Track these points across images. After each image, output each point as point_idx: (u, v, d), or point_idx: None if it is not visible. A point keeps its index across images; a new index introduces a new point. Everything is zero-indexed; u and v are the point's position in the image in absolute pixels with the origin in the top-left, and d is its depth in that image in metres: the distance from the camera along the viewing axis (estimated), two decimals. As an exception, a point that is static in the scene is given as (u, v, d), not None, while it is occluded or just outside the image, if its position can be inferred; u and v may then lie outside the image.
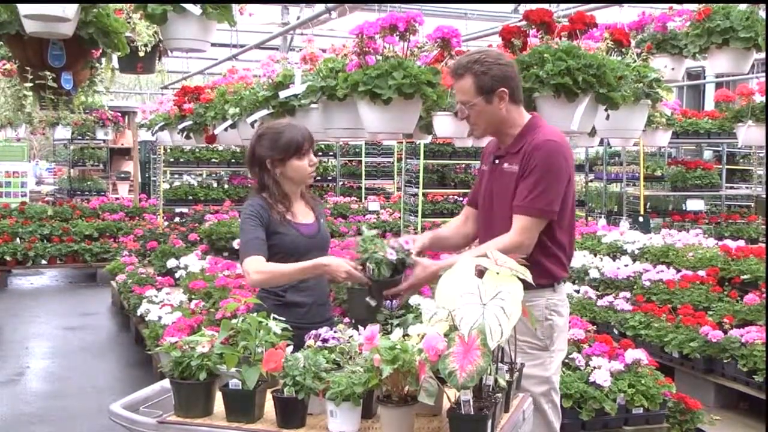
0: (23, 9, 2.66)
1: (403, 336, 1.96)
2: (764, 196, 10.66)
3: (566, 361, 3.93)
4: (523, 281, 1.97)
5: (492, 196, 2.67)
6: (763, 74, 7.62)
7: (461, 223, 2.92)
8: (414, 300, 4.24)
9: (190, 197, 11.69)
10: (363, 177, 14.13)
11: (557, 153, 2.53)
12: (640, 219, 8.63)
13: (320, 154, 13.42)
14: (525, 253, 2.44)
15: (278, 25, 7.27)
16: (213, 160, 11.95)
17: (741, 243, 6.58)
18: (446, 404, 1.95)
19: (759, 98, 6.65)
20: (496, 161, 2.67)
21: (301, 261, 2.70)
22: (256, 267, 2.64)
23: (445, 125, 4.46)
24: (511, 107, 2.59)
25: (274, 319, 2.20)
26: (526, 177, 2.53)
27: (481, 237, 2.76)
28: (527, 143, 2.57)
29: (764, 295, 5.20)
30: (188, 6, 3.03)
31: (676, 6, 4.32)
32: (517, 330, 2.43)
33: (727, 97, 8.48)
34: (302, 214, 2.90)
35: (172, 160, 11.71)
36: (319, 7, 5.25)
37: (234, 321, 2.15)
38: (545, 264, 2.60)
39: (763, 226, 9.66)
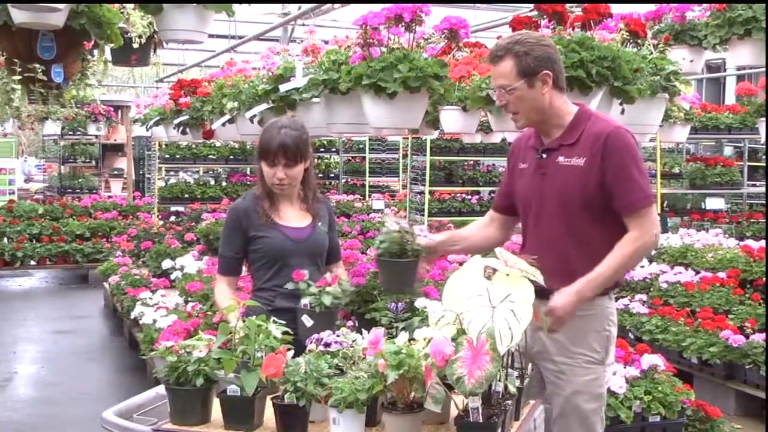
0: (11, -2, 2.60)
1: (409, 340, 1.96)
2: None
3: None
4: (534, 283, 1.92)
5: (543, 195, 2.44)
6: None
7: (483, 225, 2.75)
8: (420, 302, 4.14)
9: (187, 195, 11.58)
10: (367, 174, 14.06)
11: (633, 139, 2.44)
12: (657, 218, 8.51)
13: (322, 150, 13.41)
14: (655, 247, 2.37)
15: (278, 15, 7.24)
16: (210, 156, 11.82)
17: (763, 243, 6.44)
18: (454, 412, 1.91)
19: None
20: (544, 155, 2.46)
21: (287, 265, 2.72)
22: (217, 289, 2.86)
23: (452, 120, 4.42)
24: (554, 93, 2.41)
25: (274, 322, 2.16)
26: (618, 170, 2.34)
27: (527, 241, 2.52)
28: (587, 133, 2.40)
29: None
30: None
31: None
32: (571, 341, 2.37)
33: (748, 90, 8.41)
34: (293, 217, 2.81)
35: (167, 156, 11.59)
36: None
37: (232, 324, 2.13)
38: None
39: None
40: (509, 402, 1.91)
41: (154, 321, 5.27)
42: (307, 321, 2.45)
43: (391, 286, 2.55)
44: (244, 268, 2.98)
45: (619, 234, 2.38)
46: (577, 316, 2.34)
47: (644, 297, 5.72)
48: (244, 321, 2.12)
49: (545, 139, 2.48)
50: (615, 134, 2.38)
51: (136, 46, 3.78)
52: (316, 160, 13.49)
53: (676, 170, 10.59)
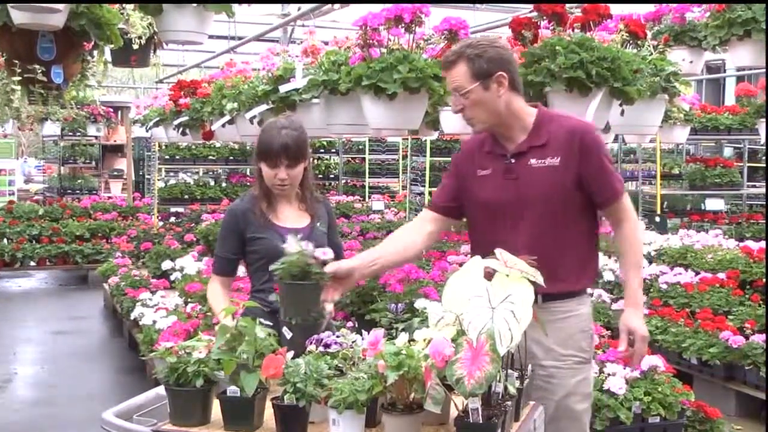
0: (11, -2, 2.60)
1: (409, 341, 1.95)
2: None
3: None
4: (534, 284, 1.91)
5: (520, 199, 2.39)
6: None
7: (414, 229, 2.56)
8: (420, 303, 4.14)
9: (186, 196, 11.58)
10: (367, 175, 14.03)
11: (598, 133, 2.45)
12: (657, 219, 8.49)
13: (322, 151, 13.38)
14: None
15: (278, 16, 7.22)
16: (210, 157, 11.82)
17: (763, 244, 6.43)
18: (453, 412, 1.90)
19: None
20: (513, 160, 2.41)
21: None
22: (210, 288, 2.86)
23: (452, 121, 4.42)
24: (511, 95, 2.37)
25: (260, 323, 2.13)
26: (597, 166, 2.36)
27: (497, 247, 2.41)
28: (555, 133, 2.38)
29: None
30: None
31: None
32: (560, 344, 2.36)
33: (748, 91, 8.40)
34: (292, 218, 2.79)
35: (167, 157, 11.58)
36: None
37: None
38: (593, 264, 2.50)
39: None
40: (509, 403, 1.90)
41: (154, 322, 5.26)
42: (287, 333, 2.32)
43: (290, 310, 2.28)
44: (243, 269, 2.98)
45: (593, 228, 2.45)
46: (565, 318, 2.37)
47: (644, 298, 5.70)
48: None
49: (508, 143, 2.42)
50: (588, 131, 2.41)
51: (135, 47, 3.76)
52: (315, 161, 13.51)
53: (676, 171, 10.58)
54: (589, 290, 2.54)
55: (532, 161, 2.38)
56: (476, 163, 2.48)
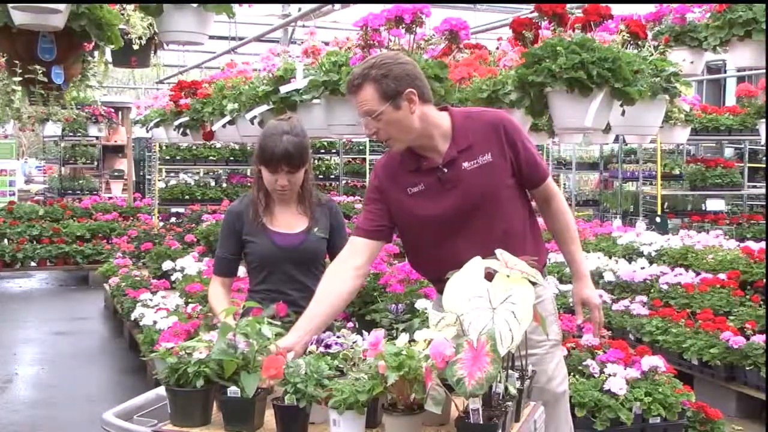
0: (11, -1, 2.60)
1: (409, 341, 1.93)
2: None
3: (580, 368, 3.83)
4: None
5: (462, 205, 2.35)
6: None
7: (345, 268, 2.39)
8: (421, 304, 4.14)
9: (187, 197, 11.58)
10: (367, 176, 13.97)
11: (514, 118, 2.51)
12: (658, 219, 8.50)
13: (323, 151, 13.35)
14: None
15: (279, 16, 7.22)
16: (210, 157, 11.82)
17: (763, 245, 6.41)
18: (454, 413, 1.89)
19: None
20: (446, 170, 2.35)
21: (275, 272, 2.72)
22: (211, 289, 2.86)
23: None
24: (424, 108, 2.32)
25: (269, 323, 2.13)
26: (524, 151, 2.39)
27: (443, 257, 2.36)
28: (476, 130, 2.36)
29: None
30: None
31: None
32: (533, 331, 2.31)
33: (749, 92, 8.38)
34: (288, 222, 2.76)
35: (167, 157, 11.58)
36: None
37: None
38: (542, 246, 2.53)
39: None
40: (510, 403, 1.89)
41: (155, 322, 5.25)
42: None
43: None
44: (243, 270, 2.97)
45: (529, 212, 2.48)
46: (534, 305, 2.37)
47: (645, 298, 5.68)
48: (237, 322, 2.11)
49: (433, 155, 2.36)
50: (507, 119, 2.43)
51: (136, 47, 3.75)
52: (316, 161, 13.51)
53: (677, 171, 10.57)
54: (549, 277, 2.58)
55: (465, 165, 2.35)
56: (402, 183, 2.40)
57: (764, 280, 5.49)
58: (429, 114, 2.33)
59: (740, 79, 11.35)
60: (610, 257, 6.94)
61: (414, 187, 2.38)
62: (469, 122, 2.38)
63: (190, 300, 5.66)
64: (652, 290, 5.91)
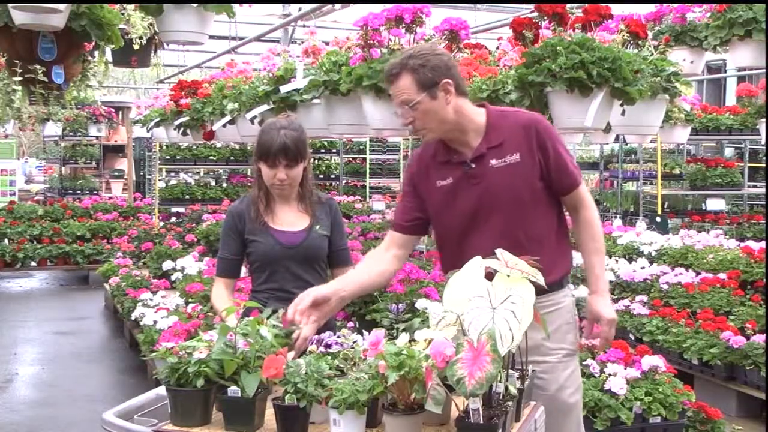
0: (11, -1, 2.60)
1: (410, 341, 1.93)
2: None
3: (580, 367, 3.82)
4: (535, 283, 1.90)
5: (486, 202, 2.37)
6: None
7: (381, 259, 2.50)
8: (421, 304, 4.14)
9: (187, 196, 11.59)
10: (367, 175, 14.01)
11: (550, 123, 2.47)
12: (658, 219, 8.49)
13: (323, 151, 13.35)
14: None
15: (279, 16, 7.22)
16: (211, 157, 11.83)
17: (764, 244, 6.41)
18: (454, 413, 1.88)
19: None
20: (473, 165, 2.37)
21: (278, 270, 2.73)
22: (213, 291, 2.87)
23: None
24: (459, 100, 2.34)
25: (273, 325, 2.14)
26: (556, 156, 2.36)
27: (465, 253, 2.32)
28: (509, 129, 2.37)
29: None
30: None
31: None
32: (548, 339, 2.33)
33: (749, 91, 8.38)
34: (289, 220, 2.77)
35: (168, 157, 11.59)
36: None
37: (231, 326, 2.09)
38: (568, 253, 2.49)
39: None
40: (510, 403, 1.88)
41: (155, 322, 5.25)
42: None
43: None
44: (244, 270, 2.97)
45: (561, 216, 2.45)
46: (550, 312, 2.35)
47: (645, 298, 5.68)
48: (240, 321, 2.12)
49: (464, 149, 2.38)
50: (541, 122, 2.41)
51: (136, 47, 3.76)
52: (316, 161, 13.50)
53: (677, 171, 10.56)
54: (570, 285, 2.54)
55: (493, 162, 2.36)
56: (433, 176, 2.43)
57: (764, 280, 5.49)
58: (464, 107, 2.36)
59: (740, 79, 11.35)
60: (611, 257, 6.94)
61: (443, 180, 2.42)
62: (504, 121, 2.39)
63: (190, 300, 5.67)
64: (652, 290, 5.91)
